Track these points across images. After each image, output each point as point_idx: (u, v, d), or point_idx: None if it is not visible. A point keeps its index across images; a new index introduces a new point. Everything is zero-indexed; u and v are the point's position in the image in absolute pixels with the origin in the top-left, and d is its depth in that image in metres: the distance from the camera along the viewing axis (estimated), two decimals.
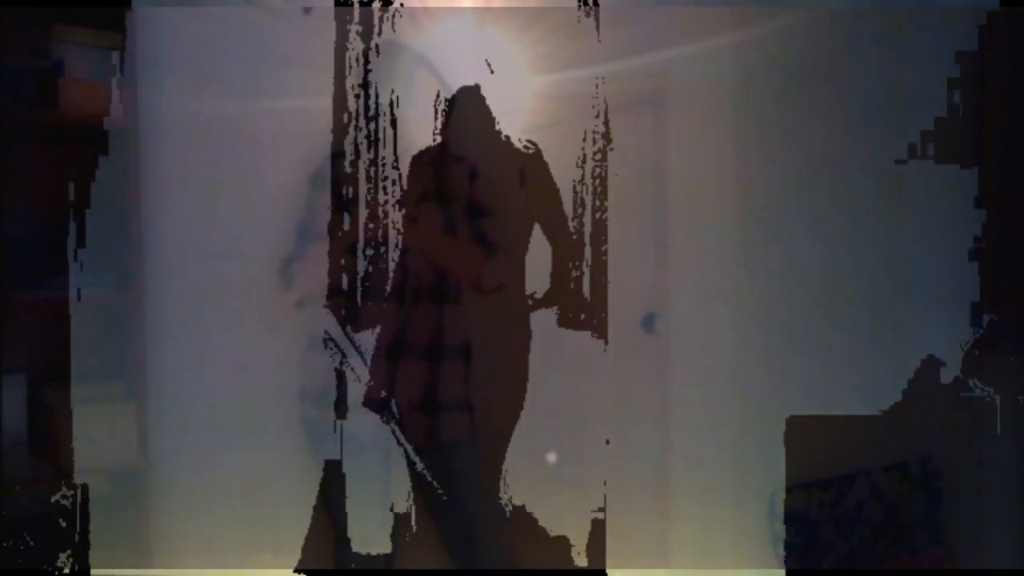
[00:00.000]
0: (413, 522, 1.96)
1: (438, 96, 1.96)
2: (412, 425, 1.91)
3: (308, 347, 1.92)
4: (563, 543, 2.24)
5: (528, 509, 2.20)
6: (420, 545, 1.99)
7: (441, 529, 1.99)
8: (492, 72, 2.00)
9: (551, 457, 2.25)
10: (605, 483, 2.32)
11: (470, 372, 1.95)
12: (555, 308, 2.20)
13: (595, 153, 2.20)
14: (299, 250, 1.90)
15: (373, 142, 1.89)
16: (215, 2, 1.93)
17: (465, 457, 1.98)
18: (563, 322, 2.22)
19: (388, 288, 1.89)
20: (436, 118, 1.95)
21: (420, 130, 1.95)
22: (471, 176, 1.93)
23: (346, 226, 1.85)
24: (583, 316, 2.21)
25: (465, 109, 1.99)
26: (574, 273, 2.20)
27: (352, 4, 1.91)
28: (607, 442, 2.31)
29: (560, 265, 2.16)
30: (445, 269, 1.90)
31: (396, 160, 1.90)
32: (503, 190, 2.02)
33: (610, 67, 2.20)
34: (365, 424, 1.88)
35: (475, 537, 1.99)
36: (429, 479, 1.92)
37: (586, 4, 2.18)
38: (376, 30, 1.91)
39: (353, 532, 1.91)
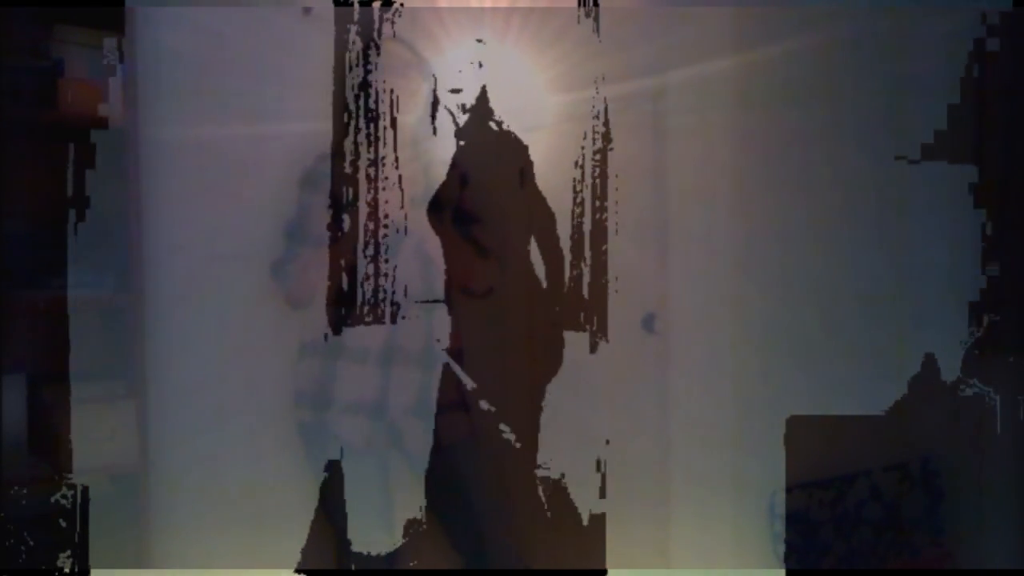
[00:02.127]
0: (423, 520, 1.97)
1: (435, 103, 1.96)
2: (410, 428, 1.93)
3: (300, 351, 1.92)
4: (563, 543, 2.24)
5: (527, 509, 2.20)
6: (427, 544, 2.00)
7: (452, 528, 2.00)
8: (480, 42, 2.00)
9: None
10: (605, 483, 2.32)
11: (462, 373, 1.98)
12: (556, 309, 2.21)
13: (595, 153, 2.20)
14: (291, 251, 1.89)
15: (373, 142, 1.89)
16: (215, 2, 1.93)
17: (466, 456, 1.99)
18: (563, 323, 2.22)
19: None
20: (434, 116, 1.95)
21: (420, 130, 1.95)
22: (462, 182, 1.94)
23: (345, 227, 1.86)
24: (583, 316, 2.21)
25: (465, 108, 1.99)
26: (572, 272, 2.20)
27: (352, 4, 1.91)
28: (607, 442, 2.31)
29: (553, 267, 2.17)
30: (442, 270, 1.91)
31: (396, 160, 1.90)
32: (498, 194, 2.03)
33: (610, 67, 2.20)
34: (359, 426, 1.89)
35: (482, 536, 2.00)
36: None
37: (586, 4, 2.18)
38: (376, 30, 1.91)
39: (353, 533, 1.91)
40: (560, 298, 2.16)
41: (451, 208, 1.94)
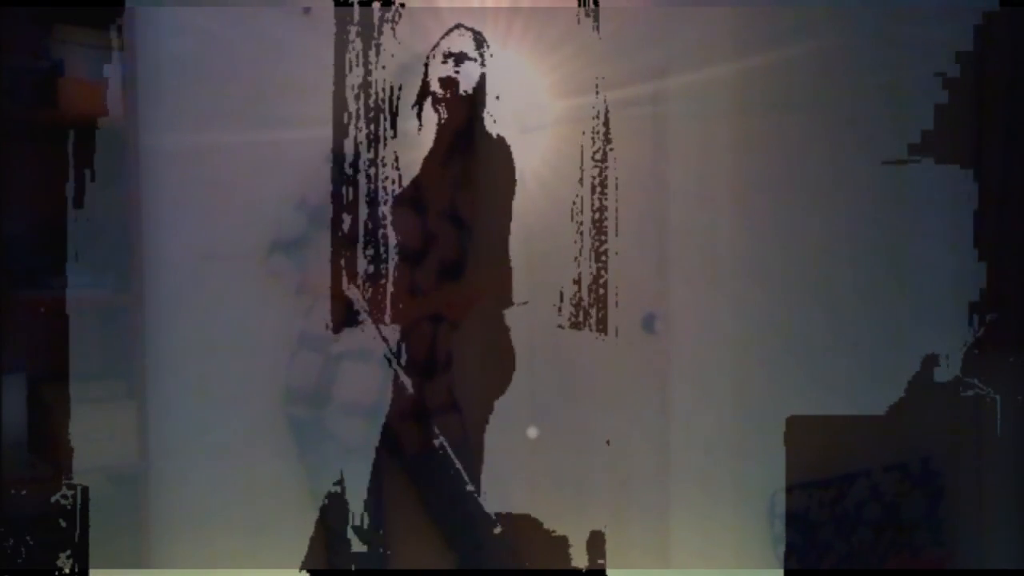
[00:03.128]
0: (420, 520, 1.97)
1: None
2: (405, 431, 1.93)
3: (297, 346, 1.92)
4: (563, 543, 2.24)
5: (528, 509, 2.20)
6: (425, 544, 2.00)
7: (444, 527, 2.00)
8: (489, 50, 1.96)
9: (531, 432, 2.23)
10: (605, 484, 2.32)
11: (452, 377, 1.98)
12: (557, 310, 2.20)
13: (595, 153, 2.20)
14: (310, 234, 1.88)
15: (373, 142, 1.89)
16: (215, 2, 1.93)
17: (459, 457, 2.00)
18: (563, 323, 2.22)
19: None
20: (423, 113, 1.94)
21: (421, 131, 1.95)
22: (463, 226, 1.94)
23: (346, 227, 1.86)
24: (583, 316, 2.21)
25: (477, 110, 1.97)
26: (576, 271, 2.20)
27: (352, 4, 1.91)
28: (607, 442, 2.31)
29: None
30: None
31: (396, 160, 1.90)
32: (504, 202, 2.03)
33: (610, 67, 2.20)
34: (356, 427, 1.89)
35: (477, 537, 2.00)
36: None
37: (586, 4, 2.18)
38: (376, 30, 1.91)
39: (351, 534, 1.91)
40: (506, 303, 2.14)
41: (426, 204, 1.93)
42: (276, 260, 1.90)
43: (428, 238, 1.92)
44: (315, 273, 1.88)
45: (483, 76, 1.94)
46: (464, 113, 1.93)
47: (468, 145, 1.96)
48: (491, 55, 1.96)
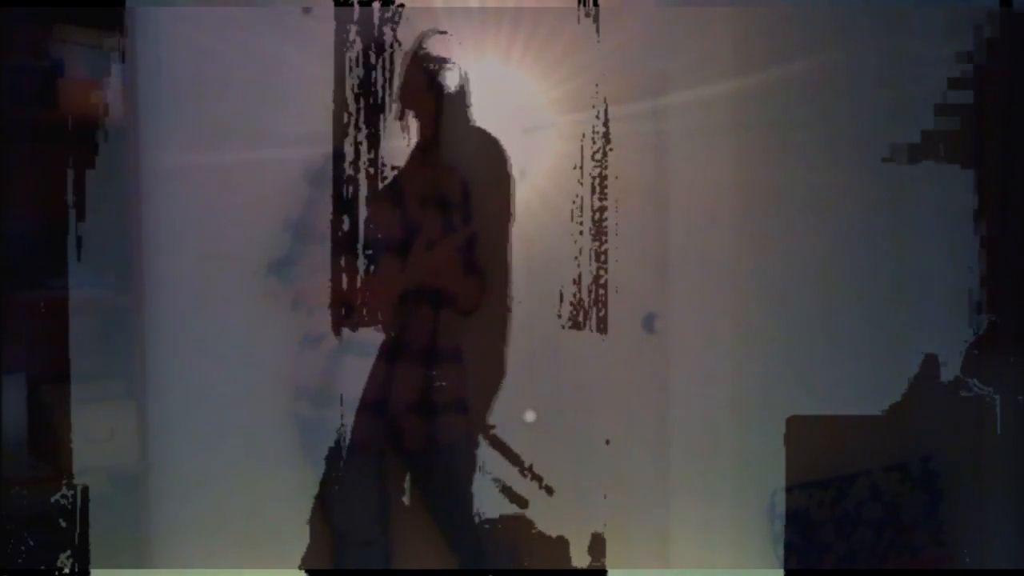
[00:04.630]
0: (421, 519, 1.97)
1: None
2: (410, 427, 1.93)
3: (301, 345, 1.92)
4: (563, 543, 2.24)
5: (528, 509, 2.20)
6: (419, 540, 2.00)
7: (445, 526, 2.00)
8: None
9: (529, 415, 2.22)
10: (604, 484, 2.32)
11: (463, 374, 1.97)
12: (557, 310, 2.20)
13: (595, 153, 2.20)
14: (296, 250, 1.89)
15: (373, 142, 1.89)
16: (215, 2, 1.93)
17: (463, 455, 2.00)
18: (563, 323, 2.22)
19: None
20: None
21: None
22: (464, 193, 1.94)
23: (346, 226, 1.86)
24: (583, 316, 2.21)
25: (460, 111, 1.97)
26: (577, 271, 2.20)
27: (352, 4, 1.91)
28: (607, 442, 2.31)
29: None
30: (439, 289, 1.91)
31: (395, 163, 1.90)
32: (499, 198, 2.02)
33: (610, 67, 2.20)
34: (359, 424, 1.89)
35: (479, 535, 2.00)
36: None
37: (586, 4, 2.18)
38: (376, 30, 1.91)
39: (352, 532, 1.91)
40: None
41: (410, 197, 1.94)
42: (271, 282, 1.91)
43: (411, 228, 1.91)
44: (308, 286, 1.88)
45: (464, 77, 1.94)
46: (447, 112, 1.94)
47: (450, 142, 1.96)
48: (463, 57, 1.96)
